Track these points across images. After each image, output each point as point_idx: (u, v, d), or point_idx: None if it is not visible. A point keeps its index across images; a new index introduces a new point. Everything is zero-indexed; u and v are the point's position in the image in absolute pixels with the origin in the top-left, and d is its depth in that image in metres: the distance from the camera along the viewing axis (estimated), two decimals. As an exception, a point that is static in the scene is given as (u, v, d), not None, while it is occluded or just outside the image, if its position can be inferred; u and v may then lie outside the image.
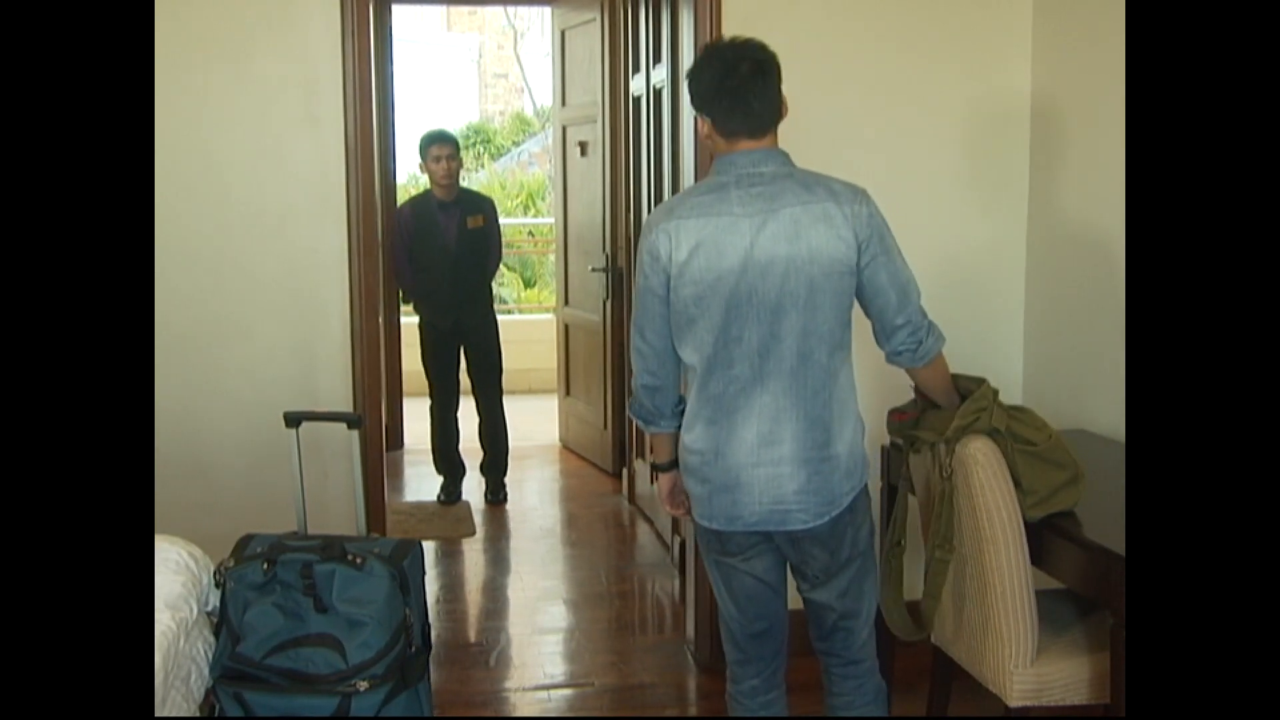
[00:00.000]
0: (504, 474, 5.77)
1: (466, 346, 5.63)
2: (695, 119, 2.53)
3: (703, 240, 2.39)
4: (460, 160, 5.55)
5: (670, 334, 2.48)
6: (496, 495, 5.70)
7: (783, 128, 2.52)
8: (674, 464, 2.65)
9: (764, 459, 2.42)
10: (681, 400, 2.57)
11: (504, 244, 6.21)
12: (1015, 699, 2.61)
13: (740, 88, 2.41)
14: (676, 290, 2.42)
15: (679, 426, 2.57)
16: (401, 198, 6.37)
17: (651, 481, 3.76)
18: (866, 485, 2.53)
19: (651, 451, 2.76)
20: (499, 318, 5.99)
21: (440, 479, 5.75)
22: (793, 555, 2.52)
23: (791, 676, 2.73)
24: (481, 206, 5.65)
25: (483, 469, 5.78)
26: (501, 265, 7.12)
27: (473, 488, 5.74)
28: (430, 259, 5.50)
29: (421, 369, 5.66)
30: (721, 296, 2.38)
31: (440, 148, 5.42)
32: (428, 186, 5.60)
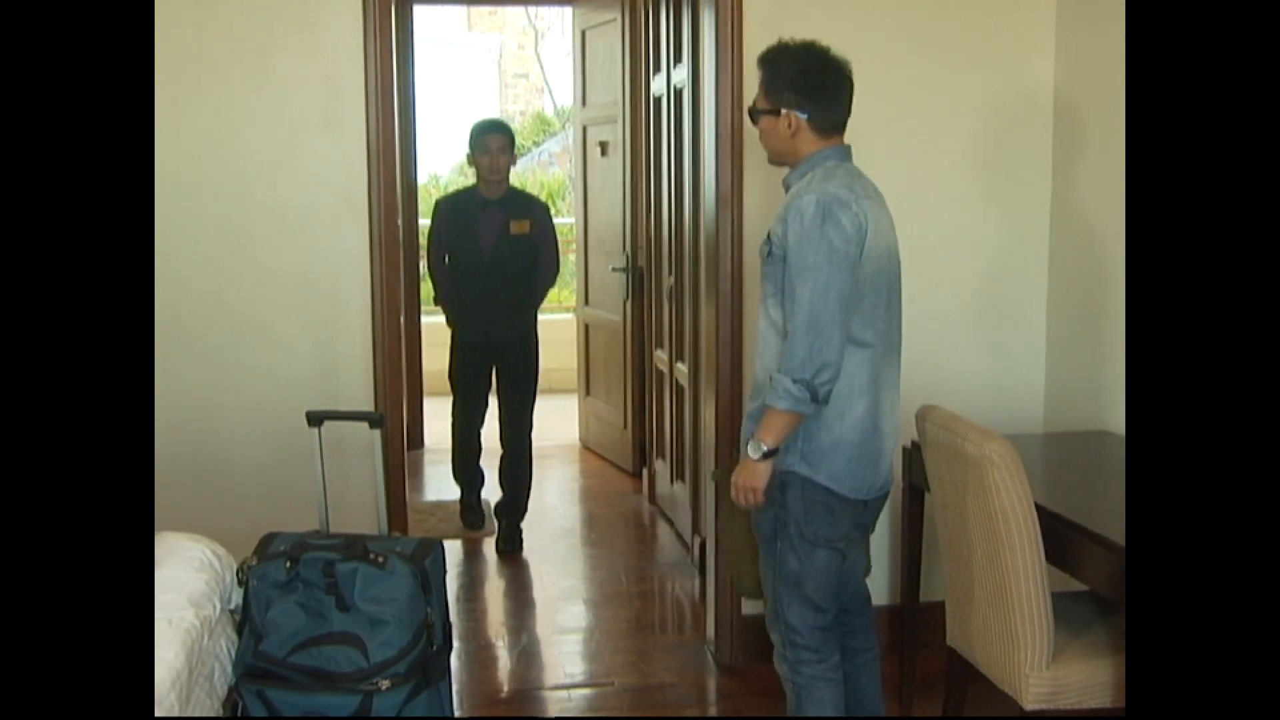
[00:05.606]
0: (522, 517, 5.05)
1: (498, 366, 4.98)
2: (786, 116, 2.63)
3: (877, 224, 2.58)
4: (513, 156, 4.85)
5: None
6: (511, 544, 4.97)
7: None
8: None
9: (892, 429, 2.71)
10: None
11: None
12: (1030, 702, 2.60)
13: (850, 85, 2.68)
14: (864, 266, 2.55)
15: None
16: (422, 197, 6.25)
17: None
18: None
19: (770, 435, 2.55)
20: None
21: (459, 490, 5.31)
22: (870, 520, 2.78)
23: (761, 683, 2.75)
24: (530, 210, 4.90)
25: (498, 511, 5.06)
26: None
27: (490, 487, 5.38)
28: (463, 261, 4.86)
29: (442, 372, 5.17)
30: (883, 277, 2.60)
31: (492, 138, 4.77)
32: (470, 183, 5.00)
